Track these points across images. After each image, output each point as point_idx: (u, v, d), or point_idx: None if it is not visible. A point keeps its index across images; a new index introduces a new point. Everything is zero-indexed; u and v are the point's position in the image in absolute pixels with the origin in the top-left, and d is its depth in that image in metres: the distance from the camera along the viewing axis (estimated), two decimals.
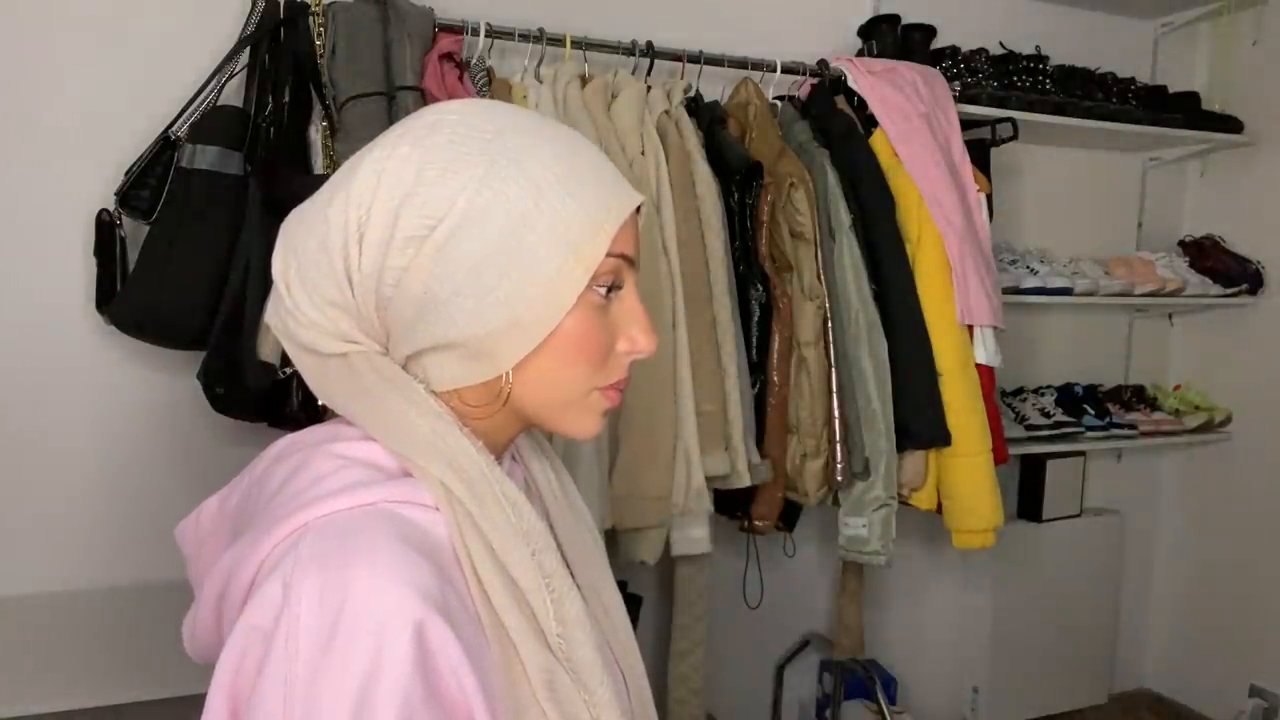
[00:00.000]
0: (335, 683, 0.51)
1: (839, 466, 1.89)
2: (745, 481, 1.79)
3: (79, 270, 1.68)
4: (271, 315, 0.67)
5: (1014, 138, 2.27)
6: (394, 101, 1.60)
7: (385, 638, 0.52)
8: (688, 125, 1.85)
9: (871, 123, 2.06)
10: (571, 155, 0.63)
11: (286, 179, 1.56)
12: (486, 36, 1.76)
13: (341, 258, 0.61)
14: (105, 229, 1.58)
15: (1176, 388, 2.80)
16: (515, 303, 0.60)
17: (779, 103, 2.06)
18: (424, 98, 1.63)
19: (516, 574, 0.61)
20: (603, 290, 0.64)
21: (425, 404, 0.63)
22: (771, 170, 1.86)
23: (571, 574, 0.73)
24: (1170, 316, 2.89)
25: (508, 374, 0.63)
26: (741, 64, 1.99)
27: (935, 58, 2.28)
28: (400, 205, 0.60)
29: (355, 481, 0.60)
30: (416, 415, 0.62)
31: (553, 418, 0.67)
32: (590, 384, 0.66)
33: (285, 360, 1.46)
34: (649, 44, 1.90)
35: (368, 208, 0.60)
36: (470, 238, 0.60)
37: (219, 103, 1.62)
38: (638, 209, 0.66)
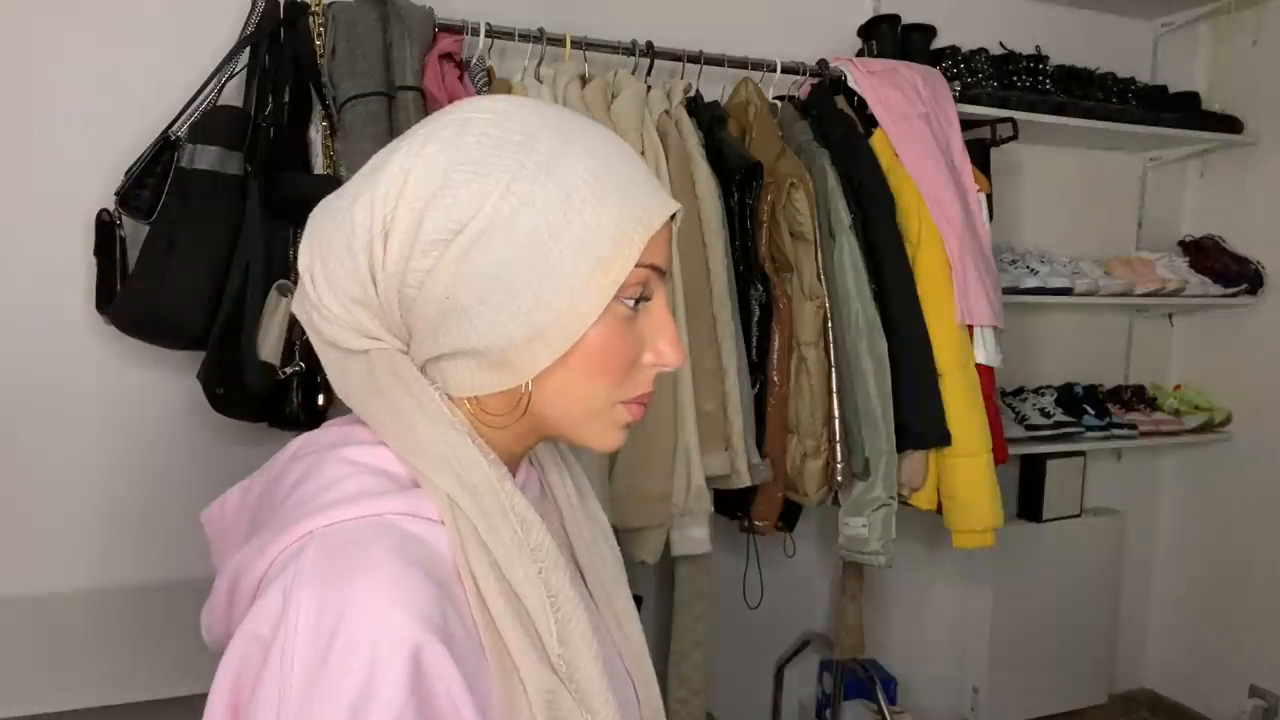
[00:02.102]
0: (327, 702, 0.51)
1: (839, 466, 1.89)
2: (745, 481, 1.79)
3: (79, 270, 1.68)
4: (297, 307, 0.66)
5: (1014, 138, 2.27)
6: (394, 101, 1.60)
7: (379, 660, 0.52)
8: (688, 125, 1.85)
9: (871, 123, 2.06)
10: (605, 161, 0.61)
11: (286, 179, 1.56)
12: (486, 36, 1.76)
13: (366, 256, 0.61)
14: (105, 229, 1.58)
15: (1176, 388, 2.80)
16: (539, 313, 0.59)
17: (779, 103, 2.06)
18: (424, 98, 1.63)
19: (521, 591, 0.60)
20: (630, 302, 0.62)
21: (438, 411, 0.62)
22: (771, 170, 1.86)
23: (585, 582, 0.72)
24: (1170, 316, 2.89)
25: (527, 384, 0.62)
26: (741, 64, 1.99)
27: (935, 58, 2.28)
28: (426, 207, 0.59)
29: (362, 490, 0.60)
30: (428, 423, 0.61)
31: (573, 429, 0.65)
32: (613, 397, 0.64)
33: (285, 360, 1.46)
34: (649, 44, 1.90)
35: (393, 207, 0.59)
36: (496, 244, 0.58)
37: (219, 103, 1.62)
38: (671, 217, 0.64)
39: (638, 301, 0.63)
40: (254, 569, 0.59)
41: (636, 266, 0.61)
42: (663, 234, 0.63)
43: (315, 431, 0.68)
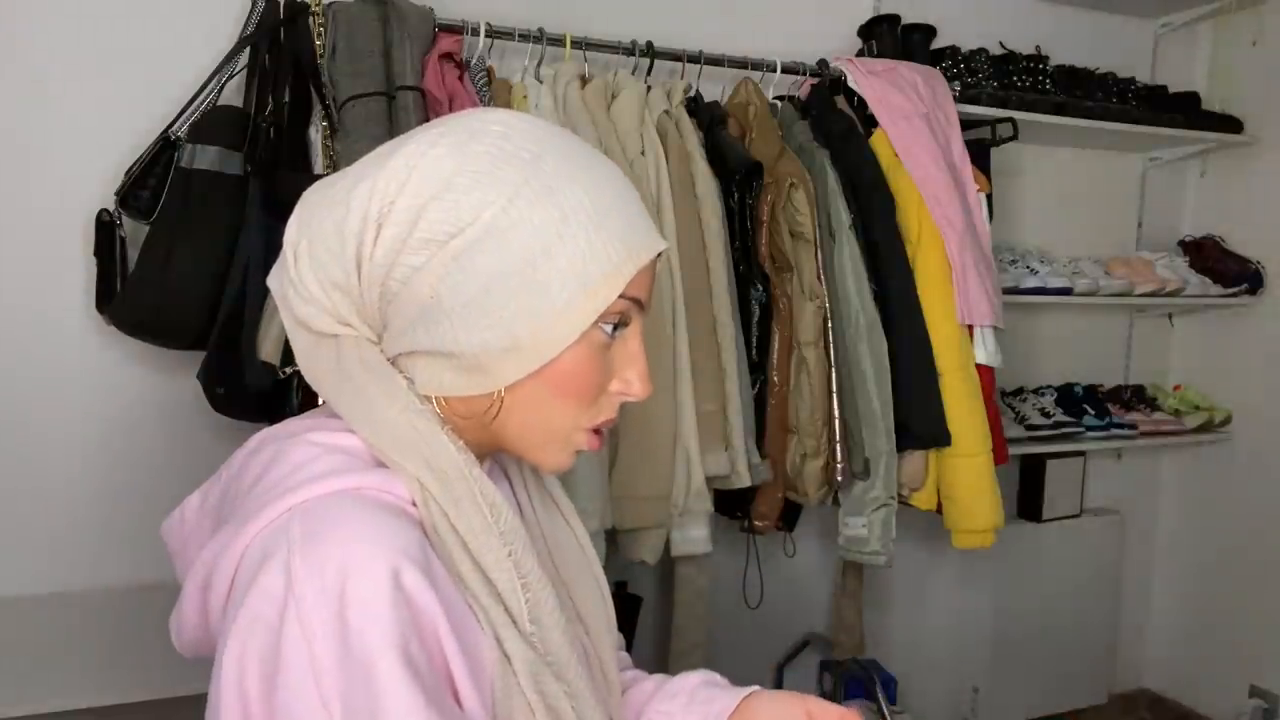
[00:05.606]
0: (350, 651, 0.53)
1: (839, 466, 1.89)
2: (745, 482, 1.79)
3: (79, 270, 1.68)
4: (274, 280, 0.67)
5: (1014, 138, 2.26)
6: (394, 101, 1.60)
7: (381, 600, 0.54)
8: (688, 125, 1.85)
9: (871, 123, 2.06)
10: (605, 192, 0.63)
11: (286, 179, 1.56)
12: (486, 36, 1.76)
13: (355, 243, 0.61)
14: (105, 229, 1.58)
15: (1176, 388, 2.80)
16: (519, 326, 0.60)
17: (779, 103, 2.06)
18: (424, 98, 1.63)
19: (492, 575, 0.61)
20: (608, 328, 0.64)
21: (406, 400, 0.63)
22: (771, 170, 1.86)
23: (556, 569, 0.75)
24: (1170, 316, 2.89)
25: (500, 391, 0.63)
26: (741, 64, 1.99)
27: (935, 58, 2.28)
28: (426, 205, 0.60)
29: (334, 468, 0.61)
30: (396, 411, 0.62)
31: (528, 445, 0.67)
32: (576, 421, 0.66)
33: (285, 360, 1.46)
34: (649, 44, 1.90)
35: (392, 200, 0.60)
36: (489, 253, 0.60)
37: (219, 103, 1.62)
38: (657, 255, 0.66)
39: (615, 328, 0.64)
40: (228, 556, 0.59)
41: (620, 298, 0.62)
42: (648, 269, 0.65)
43: (273, 427, 0.69)
